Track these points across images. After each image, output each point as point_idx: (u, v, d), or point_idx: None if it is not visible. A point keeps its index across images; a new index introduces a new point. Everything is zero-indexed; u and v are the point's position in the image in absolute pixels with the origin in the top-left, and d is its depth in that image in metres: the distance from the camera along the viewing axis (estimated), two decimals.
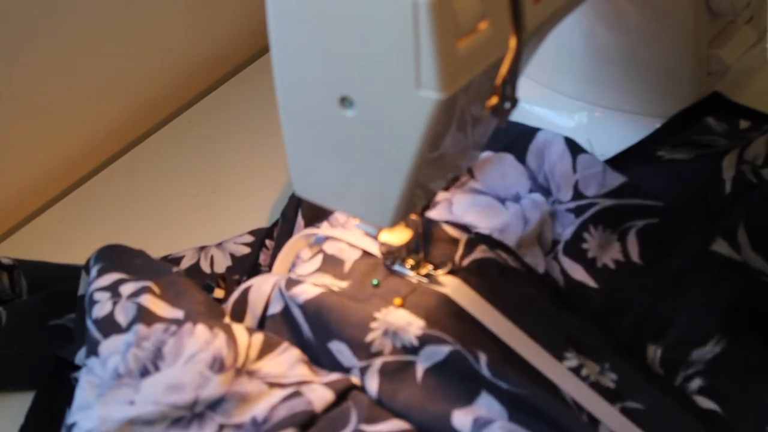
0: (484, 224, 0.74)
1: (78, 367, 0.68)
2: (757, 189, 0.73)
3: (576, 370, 0.63)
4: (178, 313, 0.66)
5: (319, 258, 0.72)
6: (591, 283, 0.69)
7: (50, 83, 0.88)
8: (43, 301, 0.74)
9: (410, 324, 0.64)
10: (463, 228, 0.73)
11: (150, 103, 0.98)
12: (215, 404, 0.62)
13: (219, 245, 0.79)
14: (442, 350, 0.63)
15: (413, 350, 0.63)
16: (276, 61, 0.56)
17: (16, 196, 0.89)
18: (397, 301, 0.66)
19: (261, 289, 0.69)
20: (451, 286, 0.67)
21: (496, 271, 0.69)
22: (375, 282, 0.68)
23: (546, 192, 0.76)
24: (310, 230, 0.74)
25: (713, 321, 0.65)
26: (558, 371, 0.62)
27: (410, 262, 0.68)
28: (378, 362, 0.63)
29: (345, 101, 0.54)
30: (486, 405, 0.60)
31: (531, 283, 0.69)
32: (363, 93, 0.53)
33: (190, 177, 0.90)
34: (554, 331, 0.64)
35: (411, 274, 0.68)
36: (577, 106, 0.85)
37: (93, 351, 0.65)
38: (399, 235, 0.68)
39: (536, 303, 0.67)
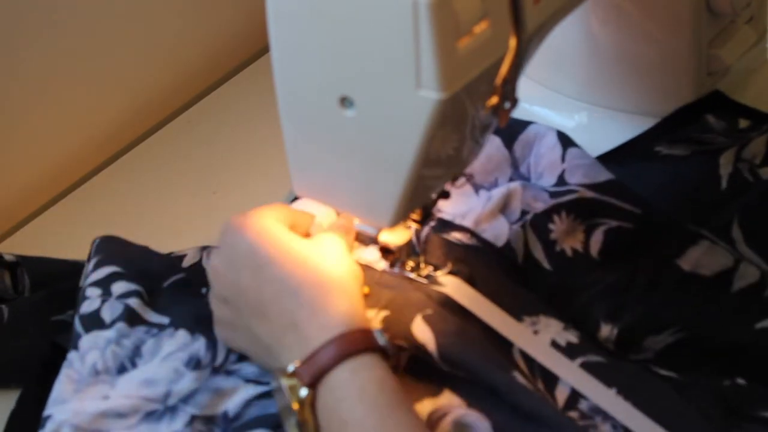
0: (450, 210, 0.74)
1: None
2: (754, 187, 0.73)
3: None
4: (163, 319, 0.68)
5: None
6: (545, 264, 0.70)
7: (51, 83, 0.88)
8: (45, 298, 0.75)
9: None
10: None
11: (150, 103, 0.98)
12: (188, 397, 0.63)
13: None
14: (403, 356, 0.63)
15: None
16: (276, 61, 0.56)
17: (18, 195, 0.89)
18: (365, 290, 0.67)
19: None
20: (451, 286, 0.67)
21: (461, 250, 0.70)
22: None
23: (525, 181, 0.76)
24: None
25: (666, 316, 0.65)
26: (522, 334, 0.63)
27: (410, 264, 0.68)
28: None
29: (345, 101, 0.54)
30: (447, 399, 0.61)
31: (488, 257, 0.69)
32: (363, 93, 0.53)
33: (190, 177, 0.90)
34: (510, 301, 0.65)
35: (412, 276, 0.68)
36: (577, 106, 0.85)
37: (74, 345, 0.67)
38: (399, 236, 0.68)
39: (493, 276, 0.68)
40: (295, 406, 0.56)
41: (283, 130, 0.60)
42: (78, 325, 0.67)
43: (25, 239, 0.86)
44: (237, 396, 0.63)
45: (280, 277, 0.60)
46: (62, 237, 0.85)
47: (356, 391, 0.56)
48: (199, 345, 0.66)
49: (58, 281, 0.76)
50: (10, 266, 0.77)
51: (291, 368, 0.57)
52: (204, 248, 0.79)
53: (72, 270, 0.76)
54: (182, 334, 0.66)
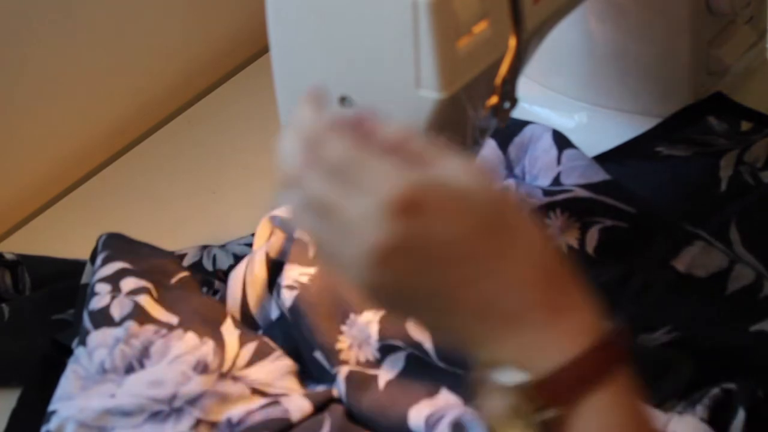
0: None
1: None
2: (755, 190, 0.73)
3: None
4: (172, 318, 0.68)
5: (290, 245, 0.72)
6: None
7: (51, 83, 0.88)
8: (46, 297, 0.75)
9: (369, 337, 0.64)
10: None
11: (150, 103, 0.98)
12: (194, 400, 0.63)
13: (222, 247, 0.79)
14: (400, 357, 0.63)
15: (375, 363, 0.64)
16: (276, 61, 0.56)
17: (18, 195, 0.89)
18: None
19: (235, 273, 0.71)
20: None
21: None
22: None
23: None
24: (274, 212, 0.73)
25: (660, 316, 0.65)
26: None
27: None
28: (345, 369, 0.64)
29: (345, 101, 0.54)
30: (444, 399, 0.61)
31: None
32: (363, 93, 0.53)
33: (190, 177, 0.90)
34: None
35: None
36: (576, 106, 0.85)
37: (82, 341, 0.66)
38: None
39: None
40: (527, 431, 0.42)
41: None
42: (87, 321, 0.67)
43: (25, 239, 0.86)
44: (241, 405, 0.63)
45: (513, 256, 0.43)
46: (62, 237, 0.85)
47: (624, 419, 0.43)
48: (207, 349, 0.65)
49: (58, 280, 0.76)
50: (11, 265, 0.77)
51: (523, 380, 0.42)
52: (204, 248, 0.79)
53: (72, 269, 0.76)
54: (191, 337, 0.66)
